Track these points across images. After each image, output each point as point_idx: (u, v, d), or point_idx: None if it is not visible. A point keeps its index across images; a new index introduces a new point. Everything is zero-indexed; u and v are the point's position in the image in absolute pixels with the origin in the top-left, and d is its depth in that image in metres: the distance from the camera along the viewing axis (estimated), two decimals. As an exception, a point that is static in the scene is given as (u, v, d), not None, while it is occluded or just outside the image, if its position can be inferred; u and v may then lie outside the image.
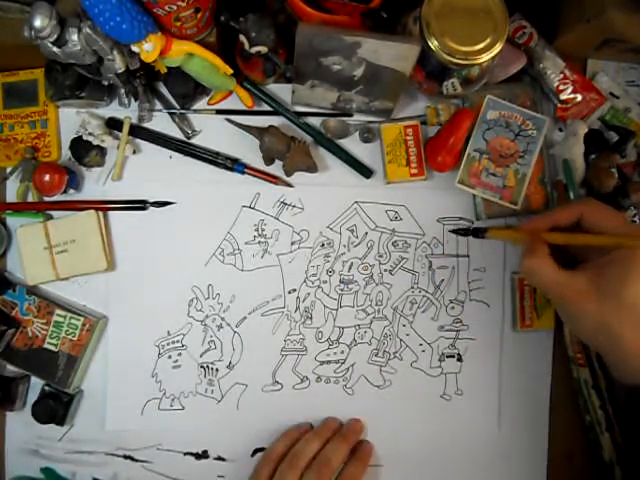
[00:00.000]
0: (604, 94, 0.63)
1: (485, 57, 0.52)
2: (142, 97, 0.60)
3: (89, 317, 0.60)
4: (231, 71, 0.57)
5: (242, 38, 0.54)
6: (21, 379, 0.61)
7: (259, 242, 0.63)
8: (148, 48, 0.50)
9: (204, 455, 0.62)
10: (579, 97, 0.62)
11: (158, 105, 0.62)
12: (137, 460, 0.62)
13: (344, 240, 0.63)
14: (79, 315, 0.60)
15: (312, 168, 0.61)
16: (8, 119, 0.61)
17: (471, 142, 0.60)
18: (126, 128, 0.61)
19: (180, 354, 0.62)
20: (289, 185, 0.62)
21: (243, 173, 0.62)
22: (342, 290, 0.63)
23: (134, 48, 0.50)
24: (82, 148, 0.60)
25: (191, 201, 0.62)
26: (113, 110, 0.62)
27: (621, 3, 0.53)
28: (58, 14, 0.48)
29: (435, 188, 0.63)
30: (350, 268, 0.63)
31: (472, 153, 0.60)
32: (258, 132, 0.60)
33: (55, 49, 0.50)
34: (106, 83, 0.57)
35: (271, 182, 0.62)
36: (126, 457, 0.62)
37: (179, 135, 0.62)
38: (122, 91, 0.59)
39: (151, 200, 0.62)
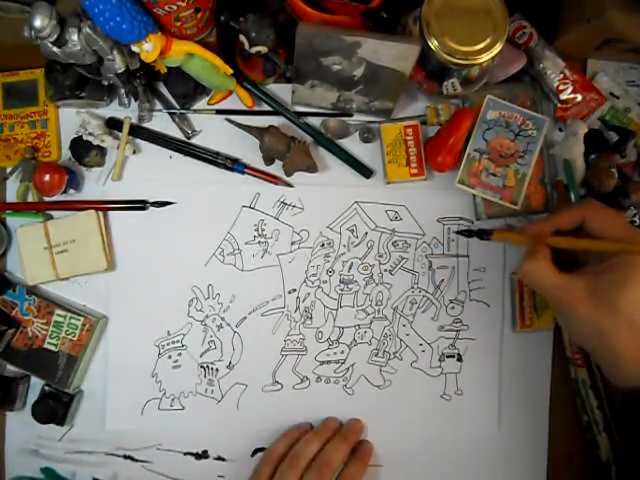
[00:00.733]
0: (604, 94, 0.63)
1: (485, 57, 0.52)
2: (142, 97, 0.60)
3: (89, 317, 0.60)
4: (231, 71, 0.57)
5: (242, 38, 0.54)
6: (21, 379, 0.61)
7: (259, 242, 0.63)
8: (148, 48, 0.50)
9: (204, 455, 0.62)
10: (579, 97, 0.62)
11: (158, 105, 0.62)
12: (137, 460, 0.62)
13: (344, 240, 0.63)
14: (79, 315, 0.60)
15: (312, 168, 0.61)
16: (8, 119, 0.61)
17: (471, 142, 0.60)
18: (126, 128, 0.61)
19: (180, 354, 0.62)
20: (289, 185, 0.62)
21: (243, 173, 0.62)
22: (342, 290, 0.63)
23: (134, 48, 0.50)
24: (82, 148, 0.60)
25: (191, 201, 0.62)
26: (113, 110, 0.62)
27: (621, 3, 0.53)
28: (58, 14, 0.48)
29: (435, 188, 0.63)
30: (350, 268, 0.63)
31: (472, 153, 0.60)
32: (258, 132, 0.60)
33: (55, 49, 0.50)
34: (106, 83, 0.57)
35: (271, 182, 0.62)
36: (126, 457, 0.62)
37: (179, 135, 0.62)
38: (122, 91, 0.59)
39: (151, 200, 0.62)
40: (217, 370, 0.62)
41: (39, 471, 0.61)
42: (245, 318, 0.62)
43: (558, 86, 0.62)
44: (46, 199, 0.61)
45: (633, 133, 0.62)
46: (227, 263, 0.62)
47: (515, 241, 0.59)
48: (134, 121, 0.61)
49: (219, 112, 0.62)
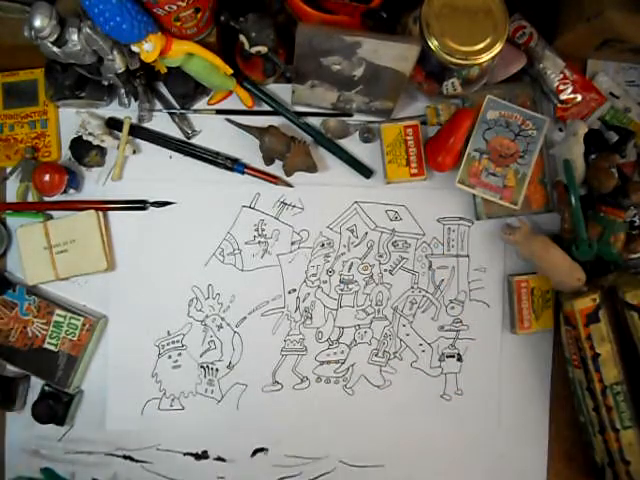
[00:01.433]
0: (604, 94, 0.63)
1: (485, 57, 0.52)
2: (142, 97, 0.60)
3: (89, 317, 0.60)
4: (231, 71, 0.57)
5: (242, 38, 0.54)
6: (21, 379, 0.61)
7: (259, 242, 0.63)
8: (148, 48, 0.50)
9: (204, 455, 0.62)
10: (579, 97, 0.62)
11: (158, 105, 0.62)
12: (137, 460, 0.62)
13: (344, 240, 0.63)
14: (79, 315, 0.60)
15: (312, 168, 0.61)
16: (8, 119, 0.61)
17: (471, 142, 0.60)
18: (126, 128, 0.61)
19: (180, 354, 0.62)
20: (289, 185, 0.62)
21: (243, 173, 0.62)
22: (342, 290, 0.63)
23: (134, 48, 0.50)
24: (82, 148, 0.60)
25: (191, 201, 0.62)
26: (113, 110, 0.62)
27: (620, 3, 0.53)
28: (58, 14, 0.48)
29: (435, 188, 0.63)
30: (350, 268, 0.63)
31: (472, 153, 0.60)
32: (258, 132, 0.60)
33: (55, 49, 0.50)
34: (106, 83, 0.57)
35: (271, 182, 0.62)
36: (126, 457, 0.62)
37: (179, 135, 0.62)
38: (122, 91, 0.59)
39: (151, 200, 0.62)
40: (217, 370, 0.62)
41: (39, 471, 0.61)
42: (245, 318, 0.62)
43: (558, 86, 0.62)
44: (46, 199, 0.61)
45: (633, 133, 0.62)
46: (227, 263, 0.62)
47: None
48: (134, 121, 0.61)
49: (219, 112, 0.62)
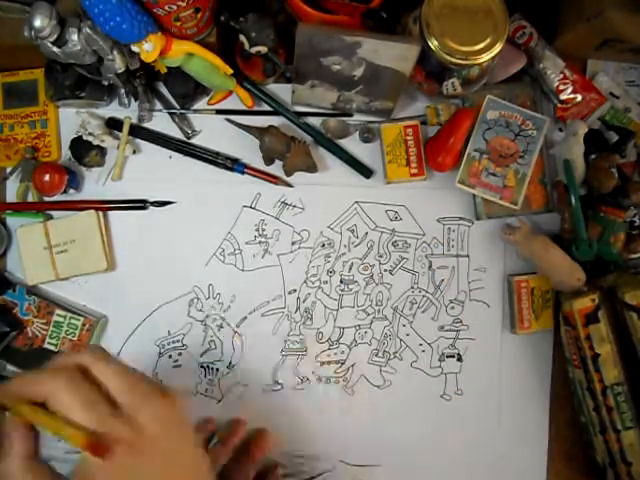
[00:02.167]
0: (604, 94, 0.63)
1: (485, 57, 0.52)
2: (142, 97, 0.60)
3: (89, 317, 0.60)
4: (231, 71, 0.57)
5: (242, 38, 0.54)
6: (21, 379, 0.61)
7: (260, 242, 0.63)
8: (148, 48, 0.50)
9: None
10: (579, 97, 0.62)
11: (158, 105, 0.62)
12: (137, 460, 0.62)
13: (344, 240, 0.63)
14: (79, 315, 0.60)
15: (312, 168, 0.61)
16: (8, 119, 0.61)
17: (471, 142, 0.60)
18: (126, 128, 0.61)
19: (180, 354, 0.62)
20: (289, 185, 0.62)
21: (243, 173, 0.62)
22: (342, 290, 0.63)
23: (134, 48, 0.50)
24: (82, 148, 0.60)
25: (191, 201, 0.62)
26: (113, 110, 0.62)
27: (620, 3, 0.53)
28: (58, 14, 0.48)
29: (435, 188, 0.63)
30: (350, 268, 0.63)
31: (472, 153, 0.60)
32: (258, 132, 0.60)
33: (55, 49, 0.50)
34: (106, 83, 0.57)
35: (271, 182, 0.62)
36: (126, 457, 0.62)
37: (179, 135, 0.62)
38: (122, 91, 0.59)
39: (151, 200, 0.62)
40: (217, 370, 0.62)
41: (39, 471, 0.61)
42: (245, 318, 0.62)
43: (558, 86, 0.62)
44: (46, 199, 0.61)
45: (633, 133, 0.62)
46: (228, 263, 0.62)
47: None
48: (134, 121, 0.61)
49: (219, 112, 0.62)
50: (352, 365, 0.63)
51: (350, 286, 0.63)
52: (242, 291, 0.62)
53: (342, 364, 0.63)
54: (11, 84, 0.61)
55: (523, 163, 0.60)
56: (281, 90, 0.63)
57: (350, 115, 0.63)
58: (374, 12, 0.53)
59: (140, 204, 0.61)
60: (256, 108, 0.62)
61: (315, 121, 0.63)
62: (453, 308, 0.63)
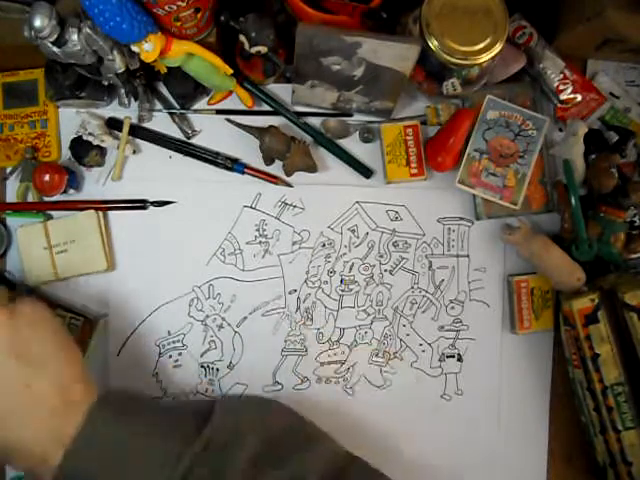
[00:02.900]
0: (604, 94, 0.63)
1: (485, 57, 0.52)
2: (142, 97, 0.60)
3: (89, 317, 0.60)
4: (231, 71, 0.57)
5: (242, 38, 0.55)
6: (21, 379, 0.61)
7: (260, 242, 0.63)
8: (148, 48, 0.50)
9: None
10: (579, 97, 0.62)
11: (158, 105, 0.62)
12: (137, 460, 0.62)
13: (345, 240, 0.63)
14: (79, 315, 0.60)
15: (312, 168, 0.61)
16: (8, 119, 0.61)
17: (471, 142, 0.60)
18: (126, 128, 0.61)
19: (180, 354, 0.62)
20: (289, 185, 0.62)
21: (243, 173, 0.62)
22: (343, 291, 0.63)
23: (134, 48, 0.50)
24: (82, 148, 0.60)
25: (192, 201, 0.62)
26: (113, 110, 0.62)
27: (621, 3, 0.53)
28: (58, 14, 0.48)
29: (435, 188, 0.63)
30: (351, 269, 0.63)
31: (472, 153, 0.60)
32: (258, 132, 0.60)
33: (55, 49, 0.50)
34: (106, 83, 0.57)
35: (271, 182, 0.62)
36: (126, 457, 0.62)
37: (179, 135, 0.62)
38: (122, 91, 0.59)
39: (151, 200, 0.62)
40: (217, 370, 0.62)
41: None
42: (246, 318, 0.62)
43: (558, 86, 0.62)
44: (46, 199, 0.61)
45: (633, 133, 0.62)
46: (228, 263, 0.62)
47: None
48: (134, 121, 0.61)
49: (219, 112, 0.62)
50: (352, 365, 0.63)
51: (350, 286, 0.63)
52: (242, 291, 0.62)
53: (342, 364, 0.63)
54: (11, 84, 0.61)
55: (523, 163, 0.60)
56: (281, 90, 0.63)
57: (350, 115, 0.63)
58: (374, 12, 0.53)
59: (140, 204, 0.61)
60: (256, 108, 0.62)
61: (315, 121, 0.63)
62: (453, 308, 0.63)
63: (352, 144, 0.63)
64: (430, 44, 0.51)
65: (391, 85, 0.56)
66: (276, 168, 0.62)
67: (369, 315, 0.63)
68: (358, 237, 0.63)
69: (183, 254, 0.62)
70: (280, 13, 0.56)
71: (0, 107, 0.61)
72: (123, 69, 0.54)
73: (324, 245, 0.63)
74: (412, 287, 0.63)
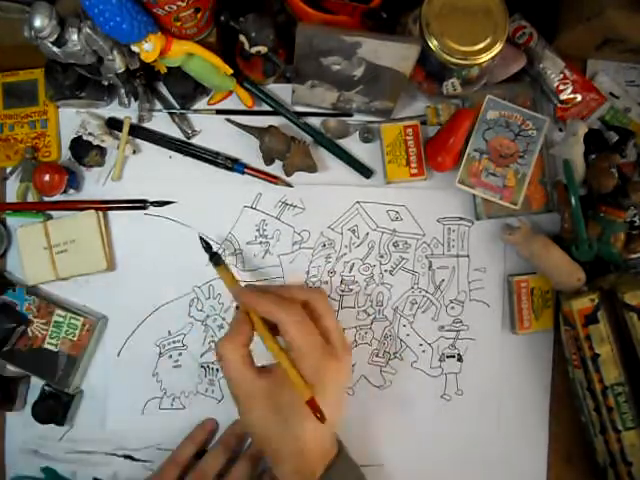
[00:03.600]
0: (604, 94, 0.63)
1: (485, 57, 0.52)
2: (142, 97, 0.60)
3: (89, 317, 0.60)
4: (231, 71, 0.57)
5: (242, 38, 0.55)
6: (21, 379, 0.61)
7: (260, 242, 0.63)
8: (148, 48, 0.50)
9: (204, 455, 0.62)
10: (579, 97, 0.62)
11: (158, 105, 0.62)
12: (137, 460, 0.62)
13: (345, 240, 0.63)
14: (79, 315, 0.60)
15: (312, 168, 0.61)
16: (8, 119, 0.61)
17: (471, 142, 0.60)
18: (126, 128, 0.61)
19: (181, 354, 0.62)
20: (289, 185, 0.62)
21: (243, 173, 0.62)
22: (343, 291, 0.63)
23: (134, 48, 0.50)
24: (82, 148, 0.60)
25: (192, 201, 0.62)
26: (113, 110, 0.62)
27: (620, 3, 0.53)
28: (58, 14, 0.48)
29: (435, 188, 0.63)
30: (351, 269, 0.63)
31: (472, 153, 0.60)
32: (258, 132, 0.60)
33: (55, 49, 0.50)
34: (106, 83, 0.57)
35: (271, 182, 0.62)
36: (126, 457, 0.62)
37: (179, 135, 0.62)
38: (122, 91, 0.59)
39: (151, 200, 0.62)
40: (218, 370, 0.62)
41: (39, 471, 0.61)
42: (245, 318, 0.62)
43: (558, 86, 0.62)
44: (46, 199, 0.61)
45: (633, 133, 0.62)
46: (228, 263, 0.62)
47: (229, 284, 0.55)
48: (134, 121, 0.61)
49: (219, 112, 0.62)
50: (352, 365, 0.63)
51: (351, 287, 0.63)
52: (242, 291, 0.62)
53: (342, 364, 0.63)
54: (11, 84, 0.61)
55: (523, 163, 0.60)
56: (281, 90, 0.63)
57: (350, 115, 0.63)
58: (374, 12, 0.53)
59: (140, 204, 0.61)
60: (256, 108, 0.62)
61: (315, 121, 0.63)
62: (453, 308, 0.63)
63: (352, 144, 0.63)
64: (430, 44, 0.51)
65: (391, 85, 0.56)
66: (276, 168, 0.62)
67: (369, 315, 0.63)
68: (358, 237, 0.63)
69: (183, 254, 0.62)
70: (280, 13, 0.56)
71: (0, 107, 0.61)
72: (123, 69, 0.54)
73: (324, 245, 0.63)
74: (412, 287, 0.63)
